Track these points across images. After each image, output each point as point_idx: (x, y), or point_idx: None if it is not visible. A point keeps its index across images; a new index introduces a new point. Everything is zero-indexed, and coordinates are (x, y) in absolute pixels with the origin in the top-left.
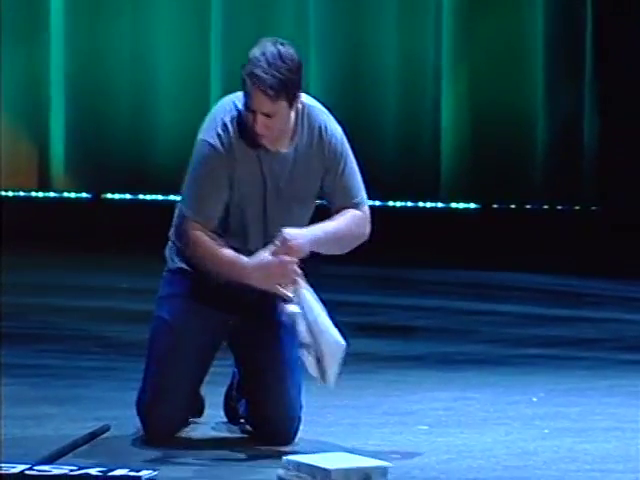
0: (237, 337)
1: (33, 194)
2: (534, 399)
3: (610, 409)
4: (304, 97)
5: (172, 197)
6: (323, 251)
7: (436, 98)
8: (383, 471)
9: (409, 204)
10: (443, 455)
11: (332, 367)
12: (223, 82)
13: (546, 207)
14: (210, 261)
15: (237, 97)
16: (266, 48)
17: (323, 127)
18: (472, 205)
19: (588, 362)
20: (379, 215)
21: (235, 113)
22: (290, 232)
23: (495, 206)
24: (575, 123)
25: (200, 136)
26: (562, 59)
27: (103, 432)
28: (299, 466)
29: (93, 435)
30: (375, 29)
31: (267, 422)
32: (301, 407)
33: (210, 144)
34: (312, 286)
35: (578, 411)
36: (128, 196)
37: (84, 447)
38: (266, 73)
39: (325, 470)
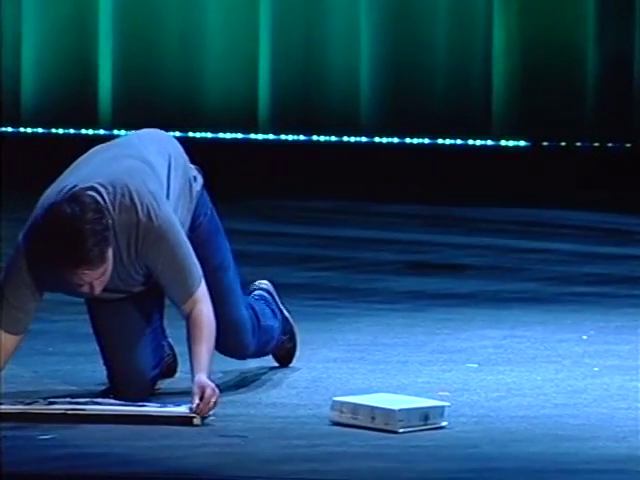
0: None
1: (83, 131)
2: (584, 337)
3: None
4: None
5: (221, 135)
6: None
7: (487, 35)
8: (441, 411)
9: (459, 142)
10: (492, 393)
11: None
12: (273, 16)
13: (596, 144)
14: None
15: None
16: (60, 238)
17: (133, 236)
18: (522, 142)
19: (639, 300)
20: (429, 153)
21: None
22: (204, 385)
23: (545, 143)
24: (626, 59)
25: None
26: None
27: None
28: (355, 407)
29: None
30: None
31: (220, 343)
32: (251, 317)
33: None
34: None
35: (628, 349)
36: (178, 133)
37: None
38: (87, 253)
39: (389, 410)
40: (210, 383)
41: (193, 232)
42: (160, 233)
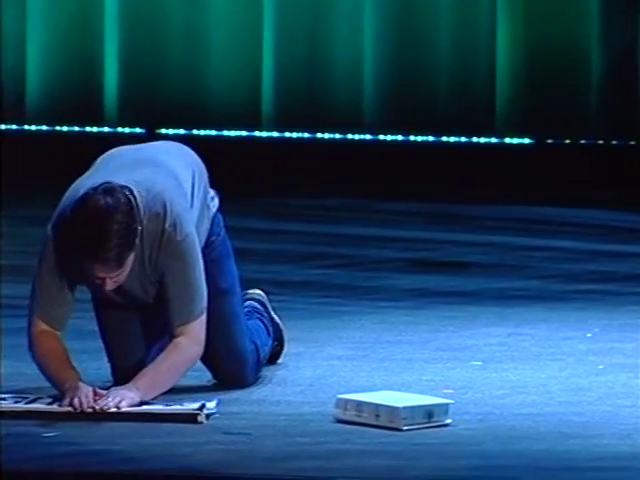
0: None
1: (87, 128)
2: (588, 335)
3: None
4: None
5: (225, 132)
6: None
7: (491, 32)
8: (445, 408)
9: (463, 139)
10: (497, 390)
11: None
12: (277, 14)
13: (601, 142)
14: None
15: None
16: (87, 225)
17: (157, 243)
18: (526, 140)
19: None
20: (433, 150)
21: None
22: (116, 398)
23: (549, 141)
24: (630, 57)
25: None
26: None
27: None
28: (359, 405)
29: None
30: None
31: (220, 371)
32: (253, 351)
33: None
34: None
35: (633, 347)
36: (182, 131)
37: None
38: (106, 252)
39: (393, 408)
40: (116, 398)
41: (205, 249)
42: (180, 249)
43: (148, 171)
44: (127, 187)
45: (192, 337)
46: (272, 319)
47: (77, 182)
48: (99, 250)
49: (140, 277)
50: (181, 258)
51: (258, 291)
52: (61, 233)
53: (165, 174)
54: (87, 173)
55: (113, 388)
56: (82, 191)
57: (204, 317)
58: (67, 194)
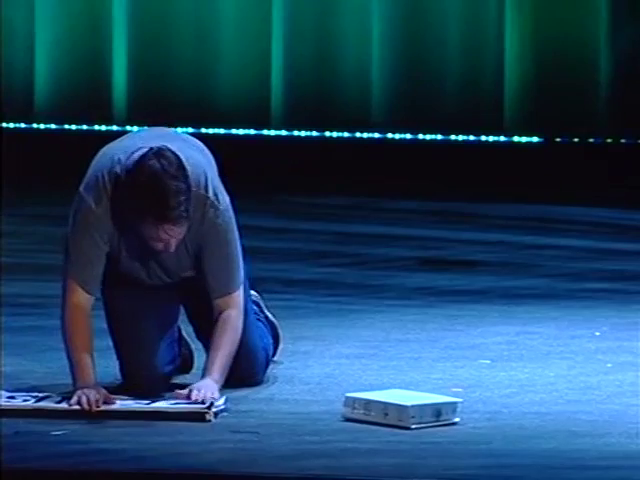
0: (191, 294)
1: (96, 127)
2: (597, 333)
3: None
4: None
5: (234, 131)
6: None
7: (500, 31)
8: (454, 407)
9: (471, 138)
10: (505, 389)
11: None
12: (285, 13)
13: (609, 141)
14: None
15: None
16: (149, 191)
17: (199, 211)
18: (535, 139)
19: None
20: (441, 149)
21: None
22: (199, 392)
23: (558, 140)
24: (638, 56)
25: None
26: None
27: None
28: (368, 403)
29: None
30: None
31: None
32: (263, 349)
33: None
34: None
35: None
36: (190, 129)
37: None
38: (173, 210)
39: (401, 406)
40: (208, 392)
41: None
42: (223, 219)
43: (180, 144)
44: (170, 149)
45: (238, 308)
46: (267, 318)
47: (107, 148)
48: (168, 210)
49: (178, 248)
50: (223, 228)
51: (252, 292)
52: (121, 203)
53: (195, 149)
54: (116, 140)
55: (196, 384)
56: (116, 157)
57: (242, 290)
58: (97, 160)
